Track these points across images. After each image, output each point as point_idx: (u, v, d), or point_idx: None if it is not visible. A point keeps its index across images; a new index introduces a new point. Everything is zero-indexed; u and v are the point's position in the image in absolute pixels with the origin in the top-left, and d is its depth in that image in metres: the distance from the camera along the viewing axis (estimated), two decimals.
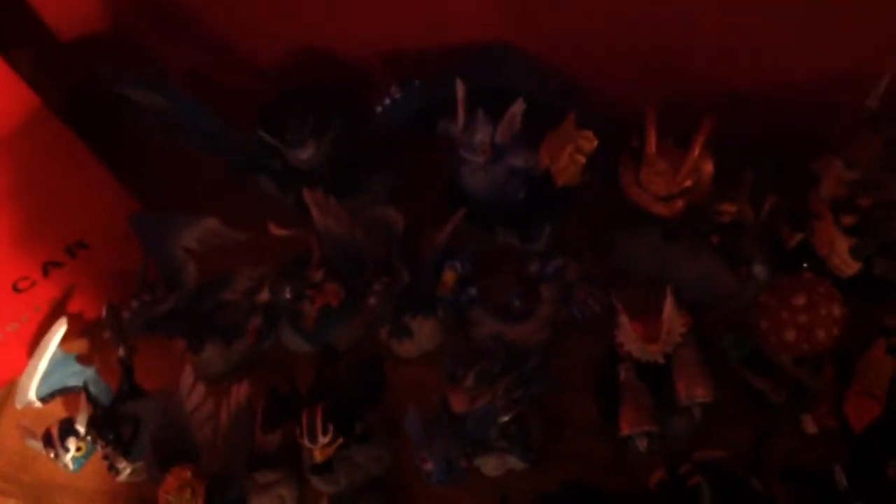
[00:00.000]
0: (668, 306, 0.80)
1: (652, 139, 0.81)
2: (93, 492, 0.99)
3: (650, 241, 0.92)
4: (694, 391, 0.80)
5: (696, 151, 0.80)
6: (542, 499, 0.81)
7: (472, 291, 0.91)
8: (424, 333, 0.96)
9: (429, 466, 0.83)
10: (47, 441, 0.91)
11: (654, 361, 0.82)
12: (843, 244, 0.82)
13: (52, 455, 0.91)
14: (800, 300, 0.79)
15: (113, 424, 0.94)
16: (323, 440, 0.84)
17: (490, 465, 0.88)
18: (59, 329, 0.95)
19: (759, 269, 0.89)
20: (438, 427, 0.84)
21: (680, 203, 0.82)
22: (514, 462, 0.87)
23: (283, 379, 0.91)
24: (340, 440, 0.86)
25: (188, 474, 0.84)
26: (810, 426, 0.79)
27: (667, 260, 0.90)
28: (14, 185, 0.88)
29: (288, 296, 0.92)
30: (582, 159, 0.82)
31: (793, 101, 0.86)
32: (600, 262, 0.93)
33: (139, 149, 1.03)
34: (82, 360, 0.98)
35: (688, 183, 0.81)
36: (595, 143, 0.82)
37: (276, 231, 0.93)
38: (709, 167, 0.82)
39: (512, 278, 0.92)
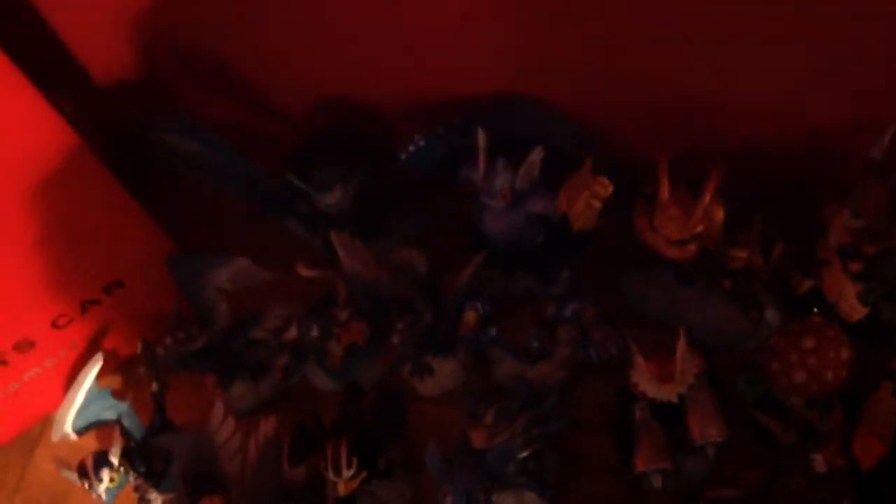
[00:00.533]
0: (682, 347, 0.83)
1: (665, 185, 0.84)
2: None
3: (664, 284, 0.95)
4: (707, 431, 0.83)
5: (708, 197, 0.83)
6: None
7: (493, 332, 0.94)
8: (445, 372, 0.99)
9: (449, 501, 0.85)
10: (82, 472, 0.94)
11: (668, 401, 0.85)
12: (850, 290, 0.85)
13: (86, 486, 0.94)
14: (809, 343, 0.81)
15: (145, 457, 0.96)
16: (347, 473, 0.87)
17: (508, 502, 0.90)
18: (96, 364, 0.99)
19: (770, 314, 0.91)
20: (459, 462, 0.86)
21: (692, 247, 0.86)
22: (532, 499, 0.90)
23: (309, 414, 0.94)
24: (364, 474, 0.89)
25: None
26: (820, 465, 0.81)
27: (680, 303, 0.93)
28: (54, 223, 0.92)
29: (315, 334, 0.95)
30: (598, 204, 0.86)
31: (801, 151, 0.90)
32: (615, 304, 0.95)
33: (173, 190, 1.07)
34: (116, 394, 1.02)
35: (699, 228, 0.84)
36: (610, 188, 0.85)
37: (304, 272, 0.97)
38: (719, 213, 0.86)
39: (530, 320, 0.95)
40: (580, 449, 0.94)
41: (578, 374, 0.97)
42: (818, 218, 0.87)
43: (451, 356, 0.98)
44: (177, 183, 1.07)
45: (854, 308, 0.85)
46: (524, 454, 0.86)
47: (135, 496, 0.99)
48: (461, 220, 1.02)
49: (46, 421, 1.08)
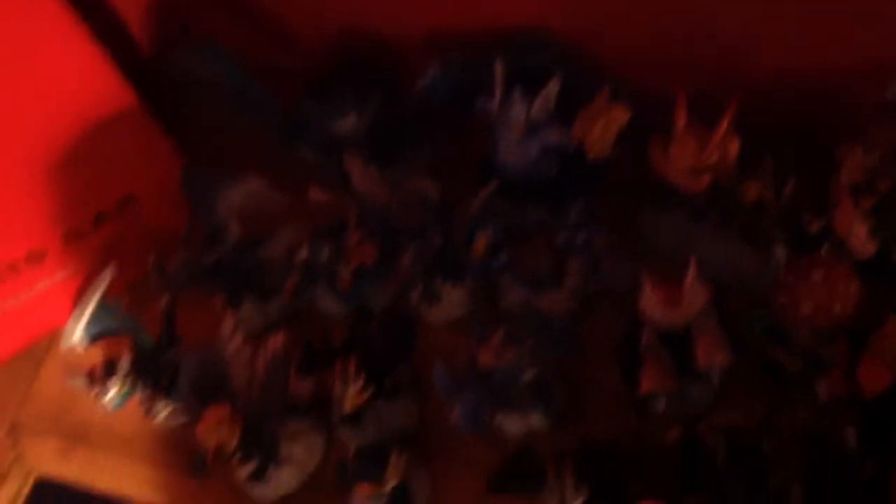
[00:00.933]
0: (692, 275, 0.84)
1: (682, 115, 0.85)
2: (129, 434, 1.04)
3: (677, 221, 0.95)
4: (713, 356, 0.84)
5: (724, 127, 0.84)
6: (559, 455, 0.84)
7: (503, 258, 0.95)
8: (454, 300, 1.00)
9: (456, 415, 0.86)
10: (90, 379, 0.95)
11: (675, 329, 0.86)
12: (861, 226, 0.86)
13: (94, 392, 0.95)
14: (818, 276, 0.82)
15: (153, 371, 0.98)
16: (354, 388, 0.88)
17: (513, 424, 0.91)
18: (107, 276, 0.99)
19: (780, 252, 0.92)
20: (465, 382, 0.87)
21: (706, 178, 0.86)
22: (537, 421, 0.91)
23: (318, 333, 0.95)
24: (371, 390, 0.90)
25: (225, 411, 0.88)
26: (824, 393, 0.82)
27: (692, 240, 0.94)
28: (70, 134, 0.93)
29: (325, 255, 0.96)
30: (614, 131, 0.87)
31: (817, 91, 0.90)
32: (628, 240, 0.96)
33: (190, 111, 1.08)
34: (127, 309, 1.02)
35: (714, 158, 0.85)
36: (627, 114, 0.86)
37: (316, 196, 0.97)
38: (734, 146, 0.86)
39: (541, 248, 0.95)
40: (587, 379, 0.95)
41: (588, 305, 0.98)
42: (832, 158, 0.88)
43: (459, 284, 0.99)
44: (194, 104, 1.07)
45: (864, 244, 0.86)
46: (530, 376, 0.87)
47: (140, 410, 1.01)
48: (476, 156, 1.03)
49: (55, 335, 1.09)
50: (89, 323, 0.99)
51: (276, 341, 0.93)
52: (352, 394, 0.89)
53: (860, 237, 0.85)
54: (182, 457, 0.99)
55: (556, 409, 0.91)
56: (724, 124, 0.83)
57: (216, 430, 0.88)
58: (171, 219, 1.04)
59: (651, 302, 0.85)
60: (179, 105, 1.06)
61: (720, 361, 0.84)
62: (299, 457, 0.95)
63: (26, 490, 1.08)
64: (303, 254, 0.99)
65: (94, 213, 1.01)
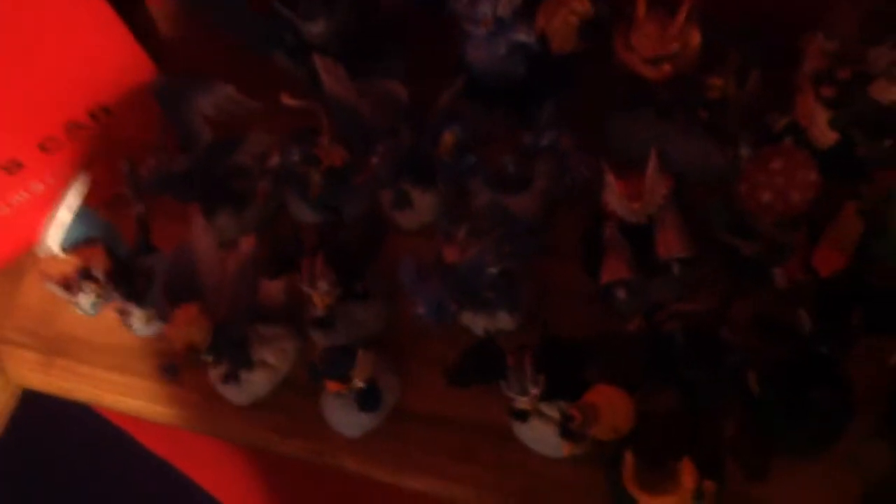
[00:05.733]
0: (652, 166, 0.84)
1: (642, 3, 0.85)
2: (108, 345, 1.06)
3: (644, 121, 0.96)
4: (673, 246, 0.85)
5: (683, 15, 0.84)
6: (519, 347, 0.84)
7: (471, 159, 0.95)
8: (424, 206, 1.00)
9: (420, 308, 0.87)
10: (66, 285, 0.97)
11: (637, 222, 0.87)
12: (822, 115, 0.86)
13: (69, 297, 0.96)
14: (777, 164, 0.83)
15: (128, 277, 0.99)
16: (322, 285, 0.89)
17: (479, 324, 0.92)
18: (82, 181, 1.00)
19: (745, 151, 0.92)
20: (431, 275, 0.88)
21: (667, 67, 0.86)
22: (503, 320, 0.92)
23: (288, 236, 0.96)
24: (340, 289, 0.91)
25: (195, 310, 0.89)
26: (781, 280, 0.83)
27: (659, 140, 0.93)
28: (40, 41, 0.93)
29: (296, 158, 0.96)
30: (575, 21, 0.87)
31: None
32: (595, 142, 0.96)
33: (159, 16, 1.08)
34: (101, 216, 1.03)
35: (674, 45, 0.85)
36: (588, 4, 0.86)
37: (288, 101, 0.98)
38: (695, 35, 0.86)
39: (508, 149, 0.96)
40: (553, 277, 0.95)
41: (556, 210, 0.98)
42: (795, 48, 0.88)
43: (430, 189, 0.99)
44: (164, 9, 1.08)
45: (824, 133, 0.86)
46: (495, 270, 0.88)
47: (118, 321, 1.02)
48: (450, 61, 1.03)
49: (34, 252, 1.10)
50: (66, 229, 1.00)
51: (247, 243, 0.95)
52: (320, 291, 0.90)
53: (820, 126, 0.85)
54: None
55: (522, 308, 0.92)
56: (683, 12, 0.83)
57: (186, 329, 0.89)
58: (145, 131, 1.05)
59: (613, 194, 0.86)
60: (150, 13, 1.07)
61: (680, 252, 0.84)
62: (271, 361, 0.97)
63: (12, 402, 1.10)
64: (274, 160, 0.99)
65: (66, 123, 1.01)
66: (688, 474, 0.73)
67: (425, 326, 0.89)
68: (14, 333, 1.10)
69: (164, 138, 1.01)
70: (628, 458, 0.75)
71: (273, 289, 0.95)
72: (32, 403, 1.11)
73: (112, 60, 1.01)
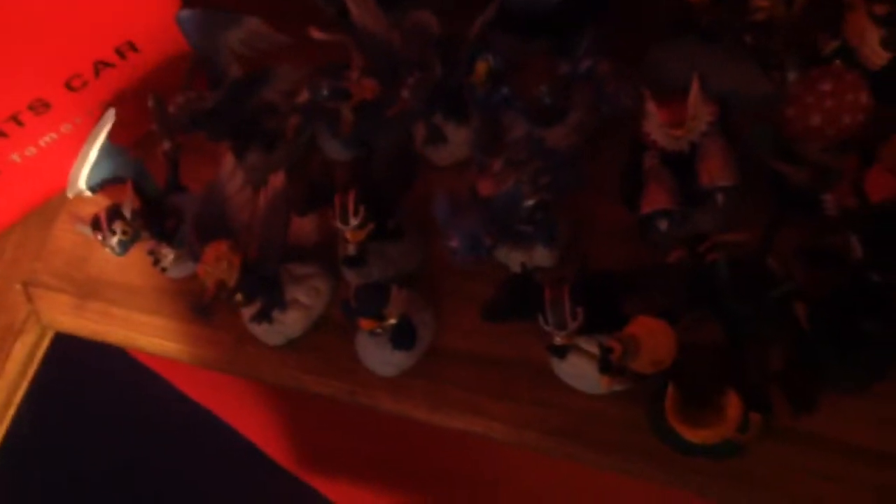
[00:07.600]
0: (694, 92, 0.81)
1: None
2: (140, 287, 1.05)
3: (687, 49, 0.92)
4: (717, 175, 0.81)
5: None
6: (556, 281, 0.82)
7: (505, 91, 0.92)
8: (458, 141, 0.98)
9: (454, 243, 0.85)
10: (95, 224, 0.95)
11: (678, 151, 0.83)
12: (873, 34, 0.82)
13: (99, 238, 0.95)
14: (826, 86, 0.79)
15: (158, 216, 0.97)
16: (354, 221, 0.87)
17: (516, 259, 0.90)
18: (109, 119, 0.98)
19: (792, 75, 0.88)
20: (466, 209, 0.86)
21: None
22: (541, 254, 0.90)
23: (320, 172, 0.94)
24: (371, 226, 0.89)
25: (225, 247, 0.87)
26: (831, 207, 0.79)
27: (704, 68, 0.90)
28: None
29: (325, 92, 0.94)
30: None
31: None
32: (634, 72, 0.93)
33: None
34: (131, 155, 1.01)
35: None
36: None
37: (316, 34, 0.95)
38: None
39: (543, 75, 0.92)
40: (592, 210, 0.93)
41: (594, 141, 0.95)
42: None
43: (464, 123, 0.97)
44: None
45: (876, 53, 0.82)
46: (531, 202, 0.85)
47: (150, 262, 1.01)
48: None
49: (64, 195, 1.09)
50: (95, 168, 0.98)
51: (278, 179, 0.92)
52: (352, 228, 0.88)
53: (871, 46, 0.81)
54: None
55: (560, 242, 0.89)
56: None
57: (215, 266, 0.88)
58: (173, 68, 1.03)
59: (654, 123, 0.83)
60: None
61: (725, 181, 0.81)
62: (304, 301, 0.95)
63: (45, 343, 1.10)
64: (303, 96, 0.97)
65: (92, 60, 0.99)
66: (733, 406, 0.71)
67: (460, 263, 0.86)
68: (46, 276, 1.09)
69: (192, 75, 0.98)
70: (670, 391, 0.73)
71: (305, 227, 0.94)
72: (66, 346, 1.10)
73: None
